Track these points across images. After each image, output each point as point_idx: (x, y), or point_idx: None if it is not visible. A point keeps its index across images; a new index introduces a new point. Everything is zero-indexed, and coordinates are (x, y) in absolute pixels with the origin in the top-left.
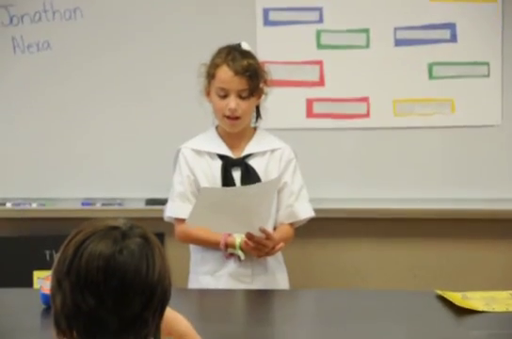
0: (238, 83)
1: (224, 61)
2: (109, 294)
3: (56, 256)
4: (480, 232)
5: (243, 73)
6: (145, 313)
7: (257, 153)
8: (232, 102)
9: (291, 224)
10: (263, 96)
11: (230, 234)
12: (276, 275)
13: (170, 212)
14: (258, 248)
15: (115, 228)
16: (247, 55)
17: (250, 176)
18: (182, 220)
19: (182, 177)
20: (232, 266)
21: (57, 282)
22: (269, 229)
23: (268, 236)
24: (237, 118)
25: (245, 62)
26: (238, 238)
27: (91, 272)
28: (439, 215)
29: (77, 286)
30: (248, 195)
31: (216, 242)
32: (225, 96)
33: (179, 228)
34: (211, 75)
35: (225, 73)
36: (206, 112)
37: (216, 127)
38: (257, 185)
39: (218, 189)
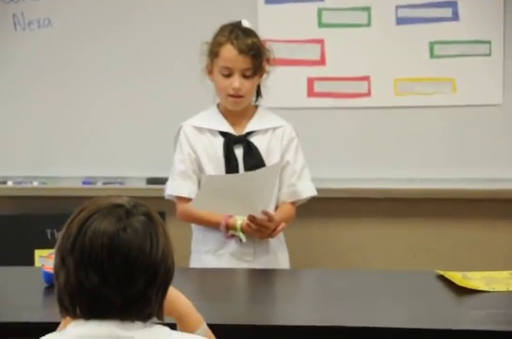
0: (242, 62)
1: (228, 40)
2: (113, 271)
3: (60, 233)
4: (480, 212)
5: (247, 52)
6: (148, 291)
7: (259, 131)
8: (236, 81)
9: (292, 203)
10: (264, 75)
11: (230, 216)
12: (277, 254)
13: (171, 190)
14: (260, 230)
15: (119, 206)
16: (250, 33)
17: (252, 153)
18: (183, 199)
19: (183, 155)
20: (233, 245)
21: (61, 260)
22: (271, 210)
23: (270, 218)
24: (240, 96)
25: (249, 41)
26: (239, 220)
27: (95, 250)
28: (439, 195)
29: (81, 264)
30: (252, 180)
31: (217, 223)
32: (229, 75)
33: (180, 207)
34: (214, 54)
35: (229, 52)
36: (207, 90)
37: (218, 105)
38: (260, 170)
39: (223, 176)
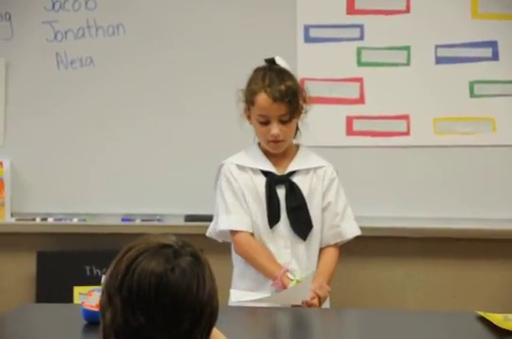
0: (278, 109)
1: (262, 88)
2: (160, 311)
3: (108, 271)
4: None
5: (282, 99)
6: (194, 331)
7: (300, 171)
8: (275, 128)
9: (335, 244)
10: (302, 114)
11: (287, 271)
12: None
13: (227, 225)
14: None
15: (167, 246)
16: (283, 76)
17: (295, 193)
18: (238, 232)
19: (233, 189)
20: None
21: (108, 297)
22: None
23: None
24: (280, 141)
25: (282, 87)
26: (293, 281)
27: (143, 289)
28: (480, 235)
29: (128, 302)
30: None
31: (272, 275)
32: (266, 122)
33: (239, 238)
34: (250, 102)
35: (264, 101)
36: (246, 132)
37: (259, 144)
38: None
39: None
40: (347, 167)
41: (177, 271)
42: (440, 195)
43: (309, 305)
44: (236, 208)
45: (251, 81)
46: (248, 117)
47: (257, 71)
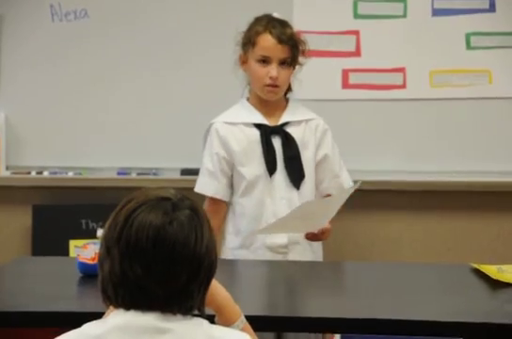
0: (281, 51)
1: (266, 29)
2: (157, 264)
3: (107, 223)
4: None
5: (286, 42)
6: (191, 285)
7: (293, 123)
8: (274, 70)
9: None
10: (297, 67)
11: None
12: (313, 246)
13: (198, 187)
14: (312, 240)
15: (166, 199)
16: (287, 24)
17: (290, 144)
18: (210, 197)
19: (211, 154)
20: (266, 237)
21: (107, 250)
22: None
23: (326, 231)
24: (277, 86)
25: (287, 31)
26: None
27: (141, 241)
28: (473, 187)
29: (126, 254)
30: (333, 202)
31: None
32: (266, 64)
33: (207, 206)
34: (251, 43)
35: (268, 41)
36: (241, 82)
37: (247, 99)
38: (343, 192)
39: (318, 202)
40: (343, 120)
41: (175, 224)
42: (437, 148)
43: (322, 233)
44: (208, 173)
45: (254, 24)
46: (243, 62)
47: (259, 17)
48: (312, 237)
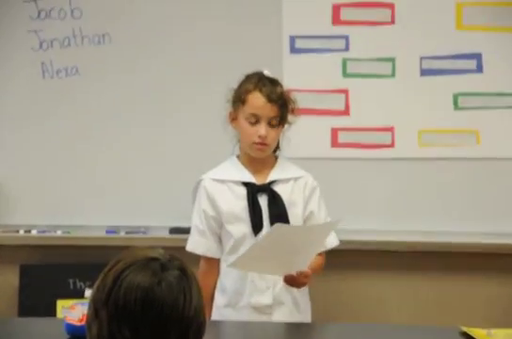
0: (270, 110)
1: (256, 87)
2: (145, 326)
3: (95, 283)
4: (508, 267)
5: (276, 101)
6: None
7: (281, 181)
8: (263, 128)
9: (320, 254)
10: (286, 125)
11: None
12: (300, 306)
13: (189, 246)
14: (292, 284)
15: (154, 259)
16: (277, 83)
17: (277, 202)
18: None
19: (199, 211)
20: (252, 296)
21: (95, 311)
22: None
23: (306, 275)
24: (265, 144)
25: (277, 89)
26: None
27: (129, 303)
28: (464, 248)
29: (114, 317)
30: (310, 234)
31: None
32: (255, 122)
33: (201, 264)
34: (241, 101)
35: (258, 99)
36: (231, 139)
37: (237, 156)
38: (323, 224)
39: (291, 227)
40: (332, 179)
41: (164, 285)
42: (425, 208)
43: (303, 277)
44: (197, 231)
45: (245, 82)
46: (233, 119)
47: (250, 75)
48: (290, 281)
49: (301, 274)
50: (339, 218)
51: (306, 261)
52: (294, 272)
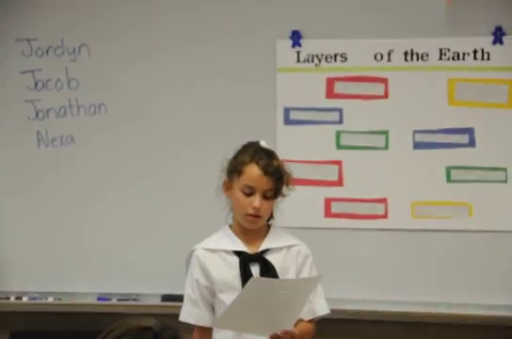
0: (266, 182)
1: (253, 159)
2: None
3: None
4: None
5: (272, 174)
6: None
7: (273, 249)
8: (257, 200)
9: (310, 321)
10: (280, 197)
11: None
12: None
13: (182, 316)
14: None
15: (147, 328)
16: (273, 155)
17: (269, 271)
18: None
19: (192, 281)
20: None
21: None
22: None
23: (292, 335)
24: (258, 216)
25: (274, 162)
26: None
27: None
28: (455, 320)
29: None
30: (292, 289)
31: None
32: (250, 194)
33: (194, 333)
34: (237, 172)
35: (254, 172)
36: (224, 208)
37: (230, 225)
38: (303, 279)
39: (269, 280)
40: (325, 249)
41: None
42: (418, 279)
43: (285, 337)
44: (190, 301)
45: (241, 152)
46: (227, 189)
47: (246, 146)
48: None
49: (286, 333)
50: (321, 274)
51: (292, 319)
52: (279, 331)
